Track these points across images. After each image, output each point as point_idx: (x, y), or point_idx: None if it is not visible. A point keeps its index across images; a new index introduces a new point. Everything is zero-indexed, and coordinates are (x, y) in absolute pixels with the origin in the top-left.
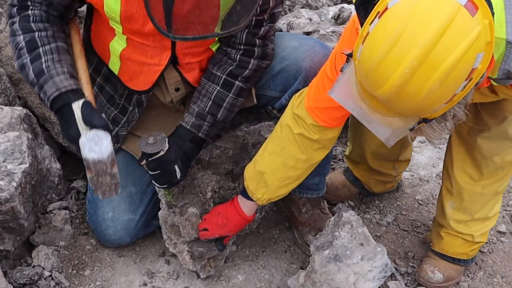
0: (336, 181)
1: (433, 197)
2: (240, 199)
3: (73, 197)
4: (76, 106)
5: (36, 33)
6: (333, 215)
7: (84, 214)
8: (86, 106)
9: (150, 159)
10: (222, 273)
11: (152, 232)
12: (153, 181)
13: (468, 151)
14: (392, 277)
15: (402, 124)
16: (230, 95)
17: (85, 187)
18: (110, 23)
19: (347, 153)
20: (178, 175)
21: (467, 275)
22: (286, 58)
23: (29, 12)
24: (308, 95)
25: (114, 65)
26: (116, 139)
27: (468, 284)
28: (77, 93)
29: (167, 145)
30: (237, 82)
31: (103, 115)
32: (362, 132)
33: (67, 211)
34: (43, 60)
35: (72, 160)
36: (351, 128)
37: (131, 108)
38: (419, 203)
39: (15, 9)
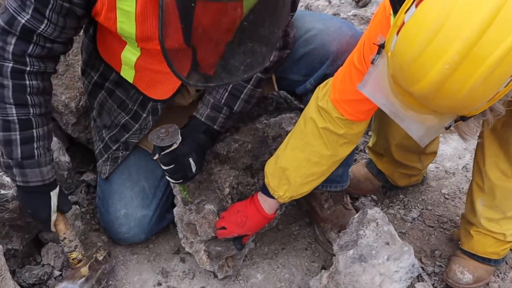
0: (358, 174)
1: (459, 191)
2: (261, 196)
3: (83, 191)
4: (54, 194)
5: (31, 110)
6: (356, 211)
7: (95, 209)
8: (60, 194)
9: (162, 153)
10: (240, 272)
11: (165, 228)
12: (167, 177)
13: (501, 146)
14: (418, 277)
15: (437, 122)
16: (249, 86)
17: (95, 181)
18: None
19: (370, 144)
20: (194, 169)
21: (497, 275)
22: (311, 41)
23: (27, 81)
24: (333, 86)
25: (128, 74)
26: (125, 146)
27: (498, 285)
28: (55, 183)
29: (180, 138)
30: (259, 75)
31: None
32: (387, 123)
33: (77, 206)
34: (35, 145)
35: (80, 152)
36: (375, 119)
37: (144, 115)
38: (445, 198)
39: (9, 67)
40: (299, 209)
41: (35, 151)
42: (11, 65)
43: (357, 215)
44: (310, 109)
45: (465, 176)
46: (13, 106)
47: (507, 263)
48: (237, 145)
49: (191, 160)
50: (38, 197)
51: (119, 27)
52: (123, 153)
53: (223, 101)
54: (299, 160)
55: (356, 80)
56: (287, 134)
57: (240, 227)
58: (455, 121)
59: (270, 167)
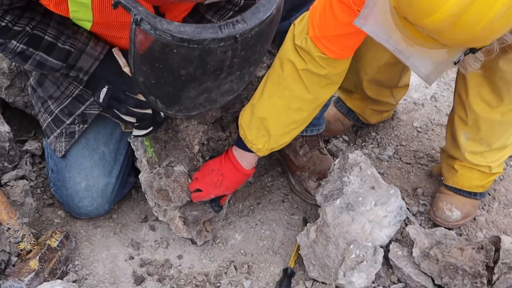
0: (327, 114)
1: (431, 122)
2: (236, 151)
3: (28, 163)
4: (115, 50)
5: (27, 28)
6: (330, 155)
7: (45, 181)
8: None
9: None
10: (216, 235)
11: (128, 195)
12: (134, 130)
13: (485, 75)
14: (405, 220)
15: (447, 57)
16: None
17: (41, 149)
18: None
19: None
20: (162, 113)
21: (483, 208)
22: None
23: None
24: (311, 22)
25: (82, 23)
26: (82, 119)
27: (485, 218)
28: (110, 51)
29: None
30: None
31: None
32: (359, 57)
33: (25, 181)
34: (60, 44)
35: (18, 117)
36: None
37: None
38: (418, 131)
39: None
40: (269, 158)
41: (66, 46)
42: None
43: (337, 160)
44: (287, 50)
45: (435, 106)
46: (12, 41)
47: (489, 194)
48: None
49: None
50: (107, 70)
51: (73, 16)
52: (80, 127)
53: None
54: (278, 108)
55: (340, 13)
56: (258, 81)
57: (216, 187)
58: (465, 54)
59: (246, 118)
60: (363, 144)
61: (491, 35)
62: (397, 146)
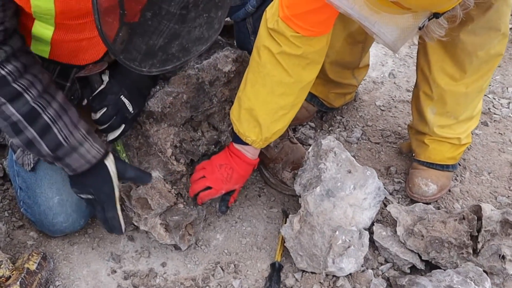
0: None
1: (393, 99)
2: (237, 145)
3: None
4: (109, 160)
5: (28, 96)
6: (300, 143)
7: (11, 203)
8: (118, 161)
9: (91, 97)
10: (198, 237)
11: None
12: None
13: (447, 49)
14: (383, 200)
15: (412, 22)
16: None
17: (2, 170)
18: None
19: None
20: (130, 108)
21: (455, 179)
22: None
23: (1, 71)
24: (281, 4)
25: (40, 50)
26: None
27: (459, 188)
28: (105, 155)
29: (107, 78)
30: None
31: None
32: None
33: None
34: (55, 130)
35: None
36: None
37: (68, 84)
38: (381, 110)
39: None
40: None
41: (59, 136)
42: None
43: (311, 148)
44: (261, 36)
45: (394, 83)
46: (7, 104)
47: (460, 165)
48: (171, 98)
49: (123, 97)
50: (94, 172)
51: (34, 5)
52: None
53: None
54: (262, 96)
55: None
56: (225, 76)
57: (227, 181)
58: (429, 19)
59: (235, 112)
60: (330, 129)
61: None
62: (363, 127)
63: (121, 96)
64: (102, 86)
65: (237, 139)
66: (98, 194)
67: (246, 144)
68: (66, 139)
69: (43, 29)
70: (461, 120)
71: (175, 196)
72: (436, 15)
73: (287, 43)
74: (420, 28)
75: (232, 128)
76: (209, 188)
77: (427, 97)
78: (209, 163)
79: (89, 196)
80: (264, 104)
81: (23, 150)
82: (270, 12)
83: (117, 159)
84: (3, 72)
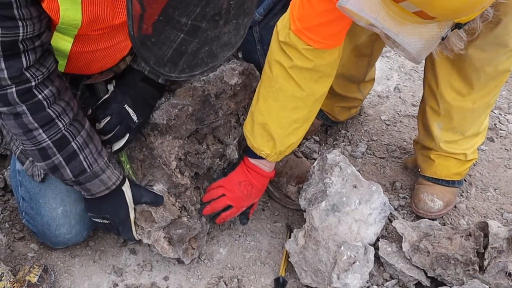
0: None
1: (398, 114)
2: (253, 160)
3: None
4: (126, 187)
5: (60, 124)
6: (306, 158)
7: (12, 214)
8: (133, 187)
9: (95, 106)
10: (201, 251)
11: None
12: (110, 138)
13: (454, 64)
14: (388, 216)
15: (436, 32)
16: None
17: (2, 181)
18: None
19: None
20: (134, 117)
21: (461, 195)
22: None
23: (39, 95)
24: (292, 16)
25: (58, 65)
26: None
27: (465, 205)
28: (123, 181)
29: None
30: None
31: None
32: None
33: None
34: (81, 158)
35: None
36: None
37: (79, 93)
38: (387, 124)
39: (13, 92)
40: None
41: (84, 163)
42: (14, 89)
43: (316, 162)
44: (273, 51)
45: (399, 97)
46: (40, 130)
47: (466, 181)
48: (176, 110)
49: (127, 107)
50: (111, 198)
51: (62, 16)
52: None
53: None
54: (275, 110)
55: (316, 1)
56: (231, 89)
57: (247, 198)
58: (451, 30)
59: (248, 127)
60: (334, 143)
61: (483, 1)
62: (368, 141)
63: (125, 105)
64: (107, 95)
65: (252, 154)
66: (114, 219)
67: (261, 158)
68: (90, 166)
69: (62, 42)
70: (468, 136)
71: (179, 209)
72: (458, 26)
73: (298, 57)
74: (443, 39)
75: (246, 143)
76: (230, 207)
77: (433, 112)
78: (228, 180)
79: (105, 221)
80: (277, 119)
81: (32, 161)
82: (281, 25)
83: (132, 184)
84: (39, 97)
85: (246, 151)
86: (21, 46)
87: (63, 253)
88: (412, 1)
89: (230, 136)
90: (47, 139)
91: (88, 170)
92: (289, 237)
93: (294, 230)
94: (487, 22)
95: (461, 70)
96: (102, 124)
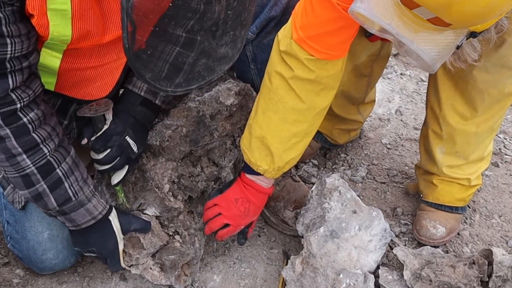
0: None
1: (400, 138)
2: (250, 176)
3: None
4: (113, 216)
5: (45, 149)
6: (303, 182)
7: None
8: (120, 215)
9: (93, 138)
10: (194, 278)
11: None
12: (111, 178)
13: (458, 86)
14: (389, 242)
15: (452, 39)
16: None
17: None
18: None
19: None
20: (135, 148)
21: (465, 222)
22: None
23: (23, 118)
24: (294, 25)
25: (48, 84)
26: None
27: (469, 232)
28: (109, 211)
29: (111, 117)
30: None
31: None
32: None
33: None
34: (66, 185)
35: None
36: None
37: (66, 122)
38: (388, 148)
39: None
40: None
41: (69, 191)
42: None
43: (314, 186)
44: (273, 61)
45: (401, 120)
46: (24, 155)
47: (469, 207)
48: (170, 131)
49: (128, 138)
50: (97, 229)
51: (52, 32)
52: None
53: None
54: (274, 123)
55: (321, 10)
56: (227, 110)
57: (245, 216)
58: (466, 38)
59: (245, 141)
60: (333, 166)
61: (501, 6)
62: (369, 165)
63: (126, 137)
64: (106, 127)
65: (249, 169)
66: (101, 251)
67: (259, 174)
68: (76, 194)
69: (51, 58)
70: (471, 160)
71: (170, 234)
72: (473, 34)
73: (300, 67)
74: (457, 47)
75: (241, 165)
76: (227, 225)
77: (436, 135)
78: (223, 198)
79: (92, 254)
80: (276, 132)
81: (13, 187)
82: (282, 34)
83: (119, 212)
84: (24, 120)
85: (243, 166)
86: (8, 66)
87: (50, 279)
88: (428, 6)
89: (226, 159)
90: (31, 165)
91: (73, 199)
92: (286, 264)
93: (291, 256)
94: (501, 33)
95: (465, 92)
96: (101, 156)
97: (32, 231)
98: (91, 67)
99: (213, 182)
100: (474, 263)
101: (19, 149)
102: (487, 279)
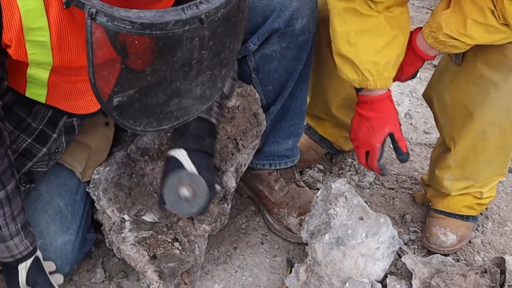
0: (298, 143)
1: (409, 142)
2: (360, 94)
3: None
4: (23, 267)
5: None
6: (307, 187)
7: None
8: (33, 268)
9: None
10: (194, 287)
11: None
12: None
13: None
14: (398, 250)
15: None
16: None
17: None
18: None
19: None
20: (219, 188)
21: (477, 229)
22: None
23: None
24: None
25: (37, 94)
26: (29, 178)
27: (481, 240)
28: (29, 254)
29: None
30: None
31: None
32: (324, 87)
33: None
34: None
35: None
36: (311, 79)
37: (55, 135)
38: None
39: None
40: (240, 197)
41: None
42: None
43: (319, 192)
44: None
45: (411, 124)
46: None
47: (481, 214)
48: (168, 134)
49: (217, 186)
50: (8, 272)
51: (31, 60)
52: (26, 186)
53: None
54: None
55: None
56: (229, 112)
57: (372, 133)
58: None
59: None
60: (340, 172)
61: None
62: None
63: (215, 185)
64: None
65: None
66: None
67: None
68: (0, 228)
69: (39, 70)
70: (481, 181)
71: (169, 241)
72: None
73: None
74: None
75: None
76: (367, 153)
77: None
78: (352, 133)
79: None
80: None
81: None
82: None
83: (35, 265)
84: None
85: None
86: None
87: None
88: None
89: (227, 163)
90: None
91: None
92: (290, 273)
93: (295, 265)
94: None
95: None
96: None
97: None
98: (82, 80)
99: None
100: (486, 271)
101: None
102: None
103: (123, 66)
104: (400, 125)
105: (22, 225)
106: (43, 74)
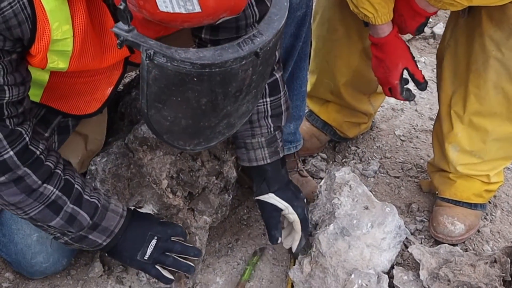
0: (301, 130)
1: (414, 129)
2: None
3: None
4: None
5: (58, 170)
6: (311, 177)
7: None
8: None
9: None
10: (195, 281)
11: None
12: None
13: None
14: (404, 241)
15: None
16: (282, 93)
17: None
18: None
19: (308, 89)
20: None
21: (485, 218)
22: None
23: (30, 146)
24: None
25: (33, 95)
26: None
27: (489, 229)
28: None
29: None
30: (277, 75)
31: None
32: (334, 57)
33: None
34: (86, 196)
35: None
36: (317, 55)
37: (46, 135)
38: (402, 140)
39: (11, 155)
40: (240, 187)
41: (92, 201)
42: (11, 152)
43: (323, 181)
44: None
45: (416, 110)
46: (45, 184)
47: (490, 202)
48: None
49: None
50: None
51: (49, 67)
52: None
53: (271, 129)
54: None
55: None
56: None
57: (388, 72)
58: None
59: None
60: (343, 160)
61: None
62: (381, 159)
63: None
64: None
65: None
66: (158, 231)
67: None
68: (98, 200)
69: (39, 72)
70: (487, 160)
71: None
72: None
73: None
74: None
75: None
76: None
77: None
78: (374, 73)
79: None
80: None
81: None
82: None
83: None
84: (37, 152)
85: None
86: (6, 112)
87: (41, 283)
88: None
89: (228, 152)
90: (54, 190)
91: (99, 205)
92: (294, 265)
93: (299, 256)
94: None
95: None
96: None
97: (20, 233)
98: (82, 82)
99: (214, 177)
100: (495, 261)
101: (39, 182)
102: (510, 279)
103: (178, 99)
104: (413, 57)
105: (105, 193)
106: (43, 77)
